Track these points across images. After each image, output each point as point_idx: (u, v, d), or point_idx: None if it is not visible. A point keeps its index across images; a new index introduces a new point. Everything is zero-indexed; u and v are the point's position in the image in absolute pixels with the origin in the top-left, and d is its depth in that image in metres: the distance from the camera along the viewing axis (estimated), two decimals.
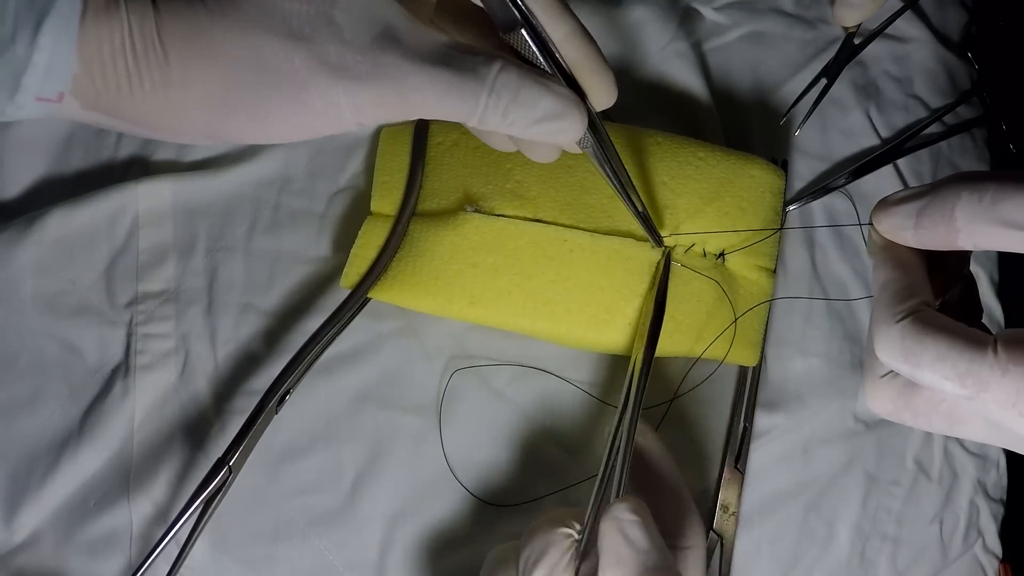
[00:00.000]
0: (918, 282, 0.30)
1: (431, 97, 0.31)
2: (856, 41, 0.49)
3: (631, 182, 0.41)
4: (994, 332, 0.28)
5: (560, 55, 0.34)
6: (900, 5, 0.52)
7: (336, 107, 0.30)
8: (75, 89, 0.29)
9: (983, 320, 0.35)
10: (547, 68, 0.33)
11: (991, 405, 0.26)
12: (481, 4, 0.33)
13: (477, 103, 0.31)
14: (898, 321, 0.28)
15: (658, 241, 0.44)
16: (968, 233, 0.27)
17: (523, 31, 0.32)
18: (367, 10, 0.30)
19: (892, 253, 0.31)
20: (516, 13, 0.32)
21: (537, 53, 0.33)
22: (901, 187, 0.52)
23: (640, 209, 0.42)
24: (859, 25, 0.47)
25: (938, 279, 0.32)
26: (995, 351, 0.26)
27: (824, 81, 0.50)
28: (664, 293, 0.43)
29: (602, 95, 0.36)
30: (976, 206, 0.27)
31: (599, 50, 0.35)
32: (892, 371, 0.30)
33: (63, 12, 0.27)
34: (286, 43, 0.29)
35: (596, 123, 0.36)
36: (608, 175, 0.39)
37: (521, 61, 0.33)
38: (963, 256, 0.34)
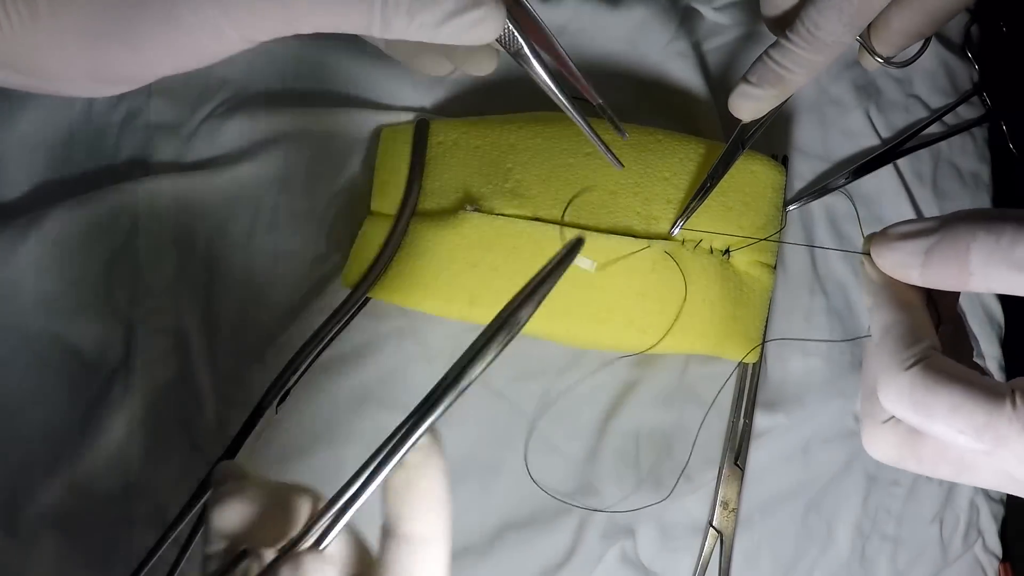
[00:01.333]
0: (923, 324, 0.28)
1: (318, 5, 0.28)
2: (744, 139, 0.45)
3: (566, 96, 0.37)
4: (994, 364, 0.27)
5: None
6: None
7: (214, 25, 0.28)
8: None
9: (985, 318, 0.35)
10: None
11: (1011, 460, 0.25)
12: None
13: (371, 10, 0.29)
14: (907, 368, 0.27)
15: (620, 131, 0.41)
16: (983, 276, 0.26)
17: None
18: None
19: (892, 291, 0.29)
20: None
21: None
22: (901, 187, 0.52)
23: (595, 103, 0.40)
24: (761, 120, 0.44)
25: (929, 317, 0.30)
26: (1013, 403, 0.25)
27: (709, 184, 0.46)
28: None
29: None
30: (994, 248, 0.25)
31: None
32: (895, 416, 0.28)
33: None
34: None
35: (524, 9, 0.33)
36: (542, 78, 0.35)
37: None
38: (954, 293, 0.32)
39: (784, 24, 0.40)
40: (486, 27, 0.30)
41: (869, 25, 0.43)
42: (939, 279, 0.27)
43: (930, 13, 0.41)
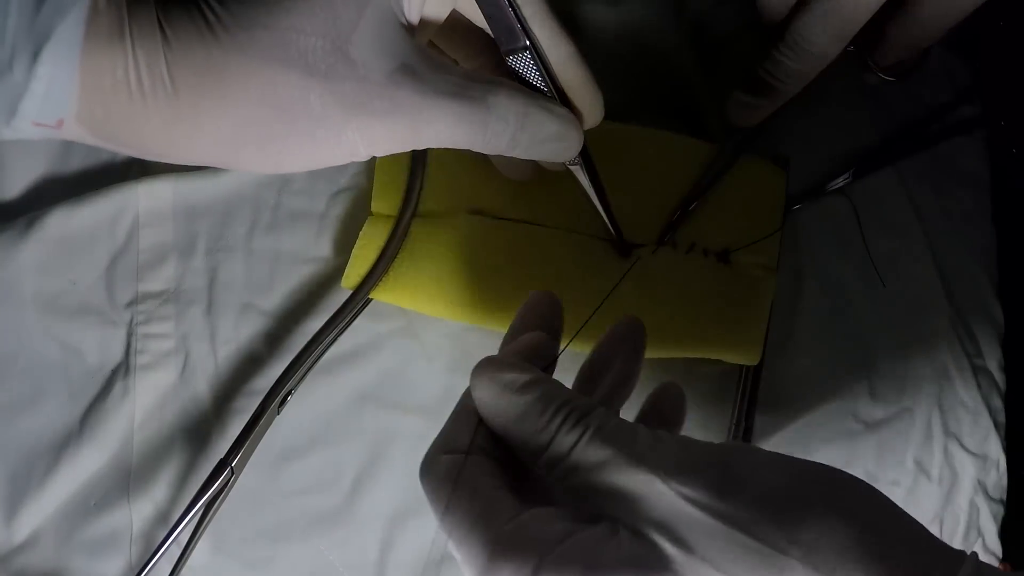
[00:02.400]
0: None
1: (442, 129, 0.31)
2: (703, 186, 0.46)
3: (606, 197, 0.42)
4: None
5: (556, 76, 0.35)
6: None
7: (350, 142, 0.30)
8: (77, 116, 0.27)
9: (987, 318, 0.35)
10: (548, 91, 0.35)
11: None
12: (488, 28, 0.33)
13: (485, 131, 0.32)
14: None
15: (626, 252, 0.45)
16: None
17: (527, 54, 0.33)
18: (383, 45, 0.29)
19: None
20: (522, 37, 0.33)
21: (540, 76, 0.34)
22: (901, 187, 0.52)
23: (614, 222, 0.44)
24: (756, 126, 0.46)
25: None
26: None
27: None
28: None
29: (593, 115, 0.38)
30: None
31: (591, 72, 0.36)
32: None
33: (64, 38, 0.26)
34: (302, 79, 0.28)
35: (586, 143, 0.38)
36: (591, 189, 0.41)
37: (522, 84, 0.34)
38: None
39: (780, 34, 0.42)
40: (570, 152, 0.36)
41: (867, 40, 0.44)
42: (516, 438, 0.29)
43: (925, 25, 0.42)
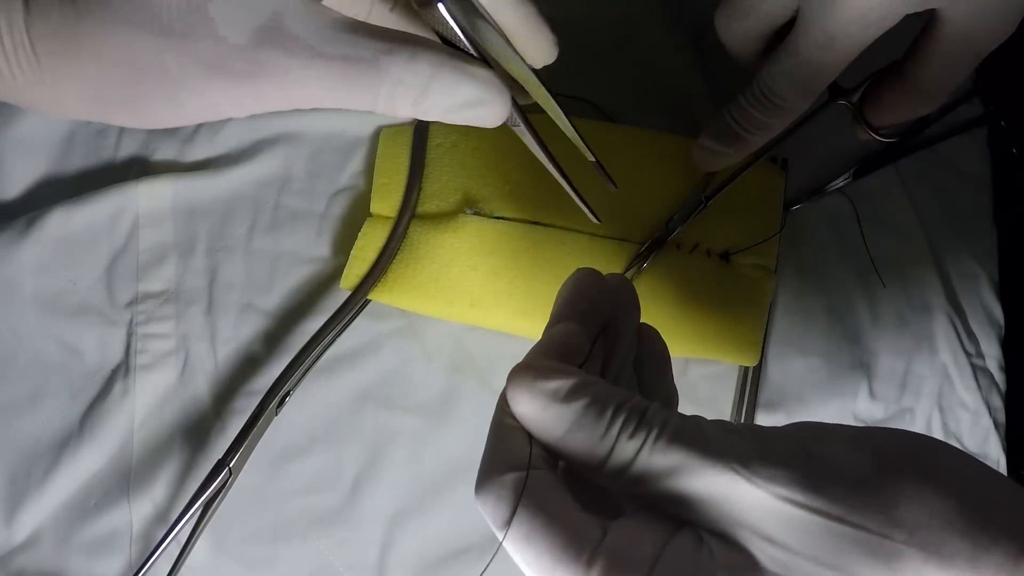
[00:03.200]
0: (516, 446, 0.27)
1: (317, 91, 0.29)
2: (706, 193, 0.46)
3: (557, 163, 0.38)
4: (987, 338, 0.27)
5: (491, 20, 0.32)
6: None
7: (214, 103, 0.29)
8: None
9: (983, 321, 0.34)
10: (467, 49, 0.31)
11: None
12: None
13: (376, 96, 0.29)
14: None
15: (593, 214, 0.43)
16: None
17: (439, 7, 0.29)
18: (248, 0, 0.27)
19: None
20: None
21: (457, 32, 0.30)
22: (901, 187, 0.52)
23: (574, 187, 0.40)
24: (720, 173, 0.44)
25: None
26: (589, 564, 0.24)
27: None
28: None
29: (541, 54, 0.34)
30: None
31: (534, 7, 0.33)
32: None
33: None
34: (156, 40, 0.27)
35: (527, 104, 0.34)
36: (539, 151, 0.37)
37: (443, 41, 0.31)
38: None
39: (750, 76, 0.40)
40: (491, 118, 0.31)
41: (863, 99, 0.42)
42: (575, 448, 0.26)
43: (924, 92, 0.40)
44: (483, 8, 0.31)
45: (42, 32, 0.27)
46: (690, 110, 0.53)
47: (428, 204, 0.47)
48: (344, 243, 0.48)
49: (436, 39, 0.31)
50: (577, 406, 0.26)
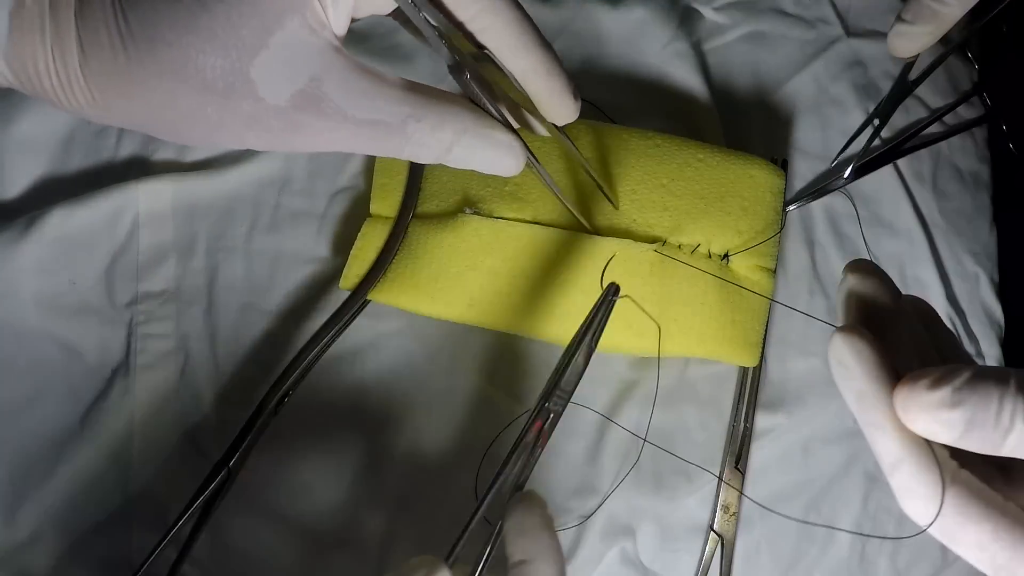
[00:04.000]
0: (941, 449, 0.27)
1: (344, 147, 0.32)
2: (911, 77, 0.47)
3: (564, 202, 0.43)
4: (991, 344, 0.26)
5: (519, 87, 0.34)
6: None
7: (249, 142, 0.31)
8: (5, 82, 0.30)
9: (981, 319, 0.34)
10: (492, 112, 0.33)
11: None
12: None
13: (400, 152, 0.32)
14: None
15: (593, 229, 0.45)
16: (1019, 446, 0.25)
17: (467, 76, 0.32)
18: (290, 66, 0.29)
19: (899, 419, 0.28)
20: (452, 59, 0.32)
21: (480, 98, 0.33)
22: (901, 187, 0.52)
23: (579, 216, 0.44)
24: (916, 57, 0.44)
25: None
26: None
27: (876, 123, 0.49)
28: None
29: (561, 118, 0.36)
30: None
31: (560, 78, 0.34)
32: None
33: None
34: (199, 95, 0.29)
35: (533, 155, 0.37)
36: (549, 186, 0.41)
37: (470, 98, 0.33)
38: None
39: None
40: (506, 174, 0.35)
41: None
42: (976, 447, 0.26)
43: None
44: (512, 75, 0.33)
45: (94, 70, 0.29)
46: (692, 113, 0.53)
47: (428, 204, 0.47)
48: (344, 243, 0.48)
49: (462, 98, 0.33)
50: (968, 406, 0.26)
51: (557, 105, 0.35)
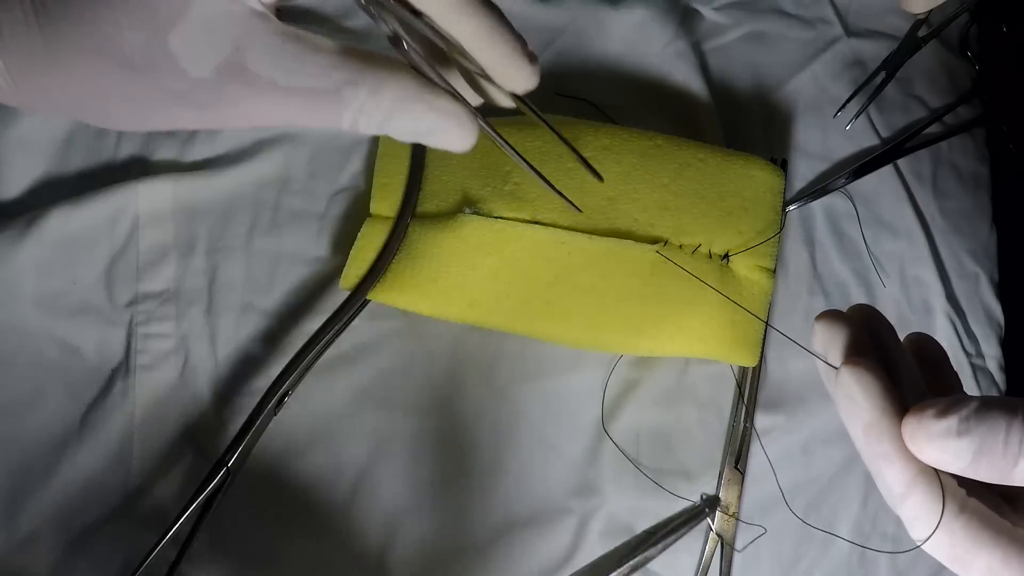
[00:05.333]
0: (949, 478, 0.28)
1: (281, 118, 0.30)
2: (921, 34, 0.48)
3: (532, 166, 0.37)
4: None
5: (469, 55, 0.31)
6: None
7: (180, 120, 0.30)
8: None
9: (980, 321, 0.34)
10: (434, 78, 0.31)
11: None
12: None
13: (339, 121, 0.30)
14: (947, 525, 0.27)
15: (573, 206, 0.43)
16: None
17: (404, 46, 0.30)
18: (211, 37, 0.28)
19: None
20: (388, 30, 0.30)
21: (422, 67, 0.31)
22: (901, 187, 0.52)
23: (551, 183, 0.38)
24: (928, 13, 0.44)
25: None
26: None
27: (883, 75, 0.51)
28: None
29: (520, 85, 0.33)
30: None
31: (510, 42, 0.31)
32: None
33: None
34: (121, 71, 0.28)
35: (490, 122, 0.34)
36: (514, 156, 0.36)
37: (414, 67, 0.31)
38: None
39: None
40: (456, 145, 0.32)
41: None
42: (984, 476, 0.26)
43: None
44: (458, 43, 0.31)
45: (12, 52, 0.28)
46: (692, 113, 0.53)
47: (428, 204, 0.47)
48: (344, 243, 0.48)
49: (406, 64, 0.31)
50: (976, 435, 0.26)
51: (510, 71, 0.32)
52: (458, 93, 0.31)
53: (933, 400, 0.27)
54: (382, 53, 0.31)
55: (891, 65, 0.51)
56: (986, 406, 0.26)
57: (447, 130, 0.31)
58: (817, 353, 0.31)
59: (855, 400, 0.28)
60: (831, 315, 0.31)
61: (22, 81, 0.29)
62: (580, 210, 0.41)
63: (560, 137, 0.37)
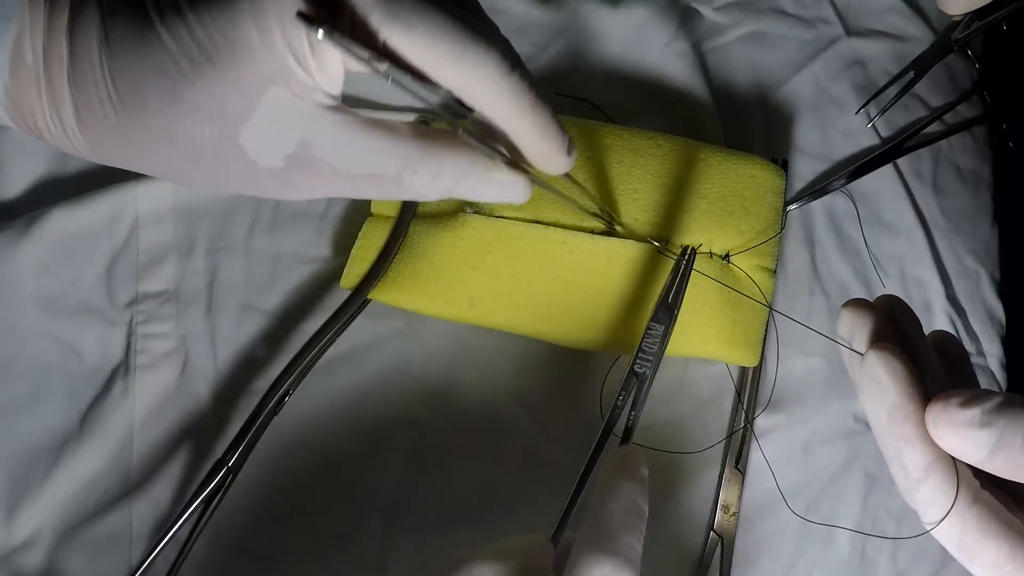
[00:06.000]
0: (965, 468, 0.28)
1: (346, 195, 0.32)
2: (955, 36, 0.47)
3: (578, 194, 0.42)
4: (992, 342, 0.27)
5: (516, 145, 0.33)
6: None
7: (252, 192, 0.32)
8: (12, 118, 0.30)
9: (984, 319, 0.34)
10: (490, 154, 0.32)
11: None
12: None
13: (401, 198, 0.32)
14: (958, 512, 0.28)
15: (611, 226, 0.45)
16: None
17: (461, 133, 0.31)
18: (277, 132, 0.29)
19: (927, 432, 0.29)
20: (458, 111, 0.30)
21: (478, 146, 0.32)
22: (901, 186, 0.52)
23: (596, 210, 0.44)
24: (964, 16, 0.43)
25: None
26: None
27: (912, 74, 0.51)
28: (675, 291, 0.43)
29: (554, 170, 0.34)
30: None
31: (559, 138, 0.33)
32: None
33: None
34: (192, 157, 0.29)
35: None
36: (562, 200, 0.40)
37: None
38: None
39: None
40: (515, 201, 0.34)
41: None
42: (999, 471, 0.27)
43: None
44: (502, 134, 0.32)
45: (90, 129, 0.29)
46: (692, 113, 0.53)
47: (429, 203, 0.47)
48: (344, 243, 0.48)
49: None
50: (996, 428, 0.26)
51: (548, 162, 0.34)
52: (513, 162, 0.33)
53: (959, 390, 0.27)
54: (442, 130, 0.32)
55: (921, 66, 0.51)
56: (1010, 402, 0.26)
57: (506, 196, 0.34)
58: (842, 340, 0.32)
59: (881, 383, 0.29)
60: (858, 303, 0.32)
61: (99, 150, 0.30)
62: (620, 229, 0.43)
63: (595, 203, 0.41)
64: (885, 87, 0.53)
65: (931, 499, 0.28)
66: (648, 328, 0.41)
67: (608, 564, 0.29)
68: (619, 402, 0.40)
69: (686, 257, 0.43)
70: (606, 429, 0.39)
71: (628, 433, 0.39)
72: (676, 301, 0.42)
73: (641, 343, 0.41)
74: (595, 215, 0.44)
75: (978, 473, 0.28)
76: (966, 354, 0.34)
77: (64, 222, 0.47)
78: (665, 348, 0.41)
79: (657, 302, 0.42)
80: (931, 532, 0.28)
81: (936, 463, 0.28)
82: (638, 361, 0.41)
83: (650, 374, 0.40)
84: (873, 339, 0.31)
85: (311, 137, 0.30)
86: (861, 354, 0.30)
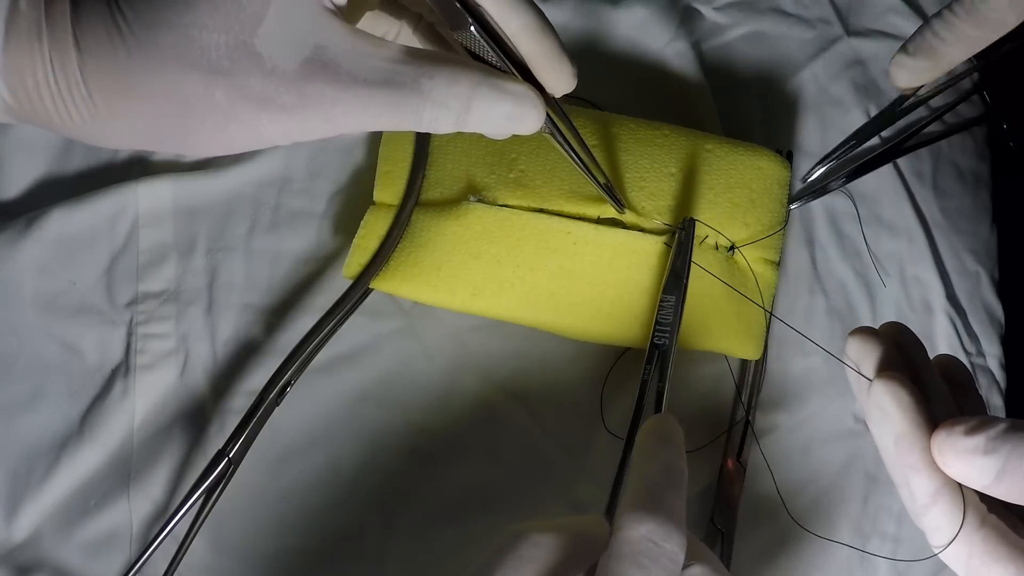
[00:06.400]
0: (971, 493, 0.29)
1: (364, 118, 0.30)
2: (902, 106, 0.47)
3: (593, 158, 0.41)
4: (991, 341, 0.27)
5: (514, 48, 0.33)
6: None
7: (262, 133, 0.30)
8: (6, 107, 0.29)
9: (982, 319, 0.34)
10: (500, 65, 0.32)
11: None
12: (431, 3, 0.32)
13: (420, 118, 0.31)
14: (966, 536, 0.28)
15: (620, 206, 0.44)
16: None
17: (472, 29, 0.31)
18: (293, 34, 0.29)
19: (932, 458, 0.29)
20: (464, 13, 0.31)
21: (489, 51, 0.32)
22: (901, 186, 0.52)
23: (603, 182, 0.42)
24: (916, 89, 0.43)
25: None
26: None
27: (853, 143, 0.50)
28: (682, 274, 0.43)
29: (560, 84, 0.34)
30: None
31: (555, 39, 0.33)
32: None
33: None
34: (205, 78, 0.28)
35: (555, 109, 0.36)
36: (570, 154, 0.39)
37: (474, 58, 0.32)
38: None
39: None
40: (527, 127, 0.33)
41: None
42: (1005, 495, 0.27)
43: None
44: (506, 36, 0.32)
45: (93, 70, 0.28)
46: (693, 113, 0.53)
47: (432, 191, 0.47)
48: (344, 243, 0.48)
49: (467, 56, 0.32)
50: (1001, 454, 0.27)
51: (554, 68, 0.33)
52: (520, 72, 0.33)
53: (964, 417, 0.28)
54: (442, 51, 0.32)
55: (863, 135, 0.50)
56: (1015, 428, 0.27)
57: (522, 114, 0.32)
58: (851, 365, 0.33)
59: (888, 412, 0.29)
60: (865, 331, 0.32)
61: (102, 100, 0.28)
62: (624, 209, 0.42)
63: (583, 166, 0.40)
64: (829, 155, 0.52)
65: (938, 524, 0.29)
66: (661, 300, 0.43)
67: (652, 521, 0.29)
68: (646, 376, 0.41)
69: (684, 228, 0.44)
70: (639, 403, 0.41)
71: (659, 402, 0.41)
72: (683, 270, 0.43)
73: (656, 316, 0.43)
74: (603, 187, 0.43)
75: (985, 496, 0.28)
76: (970, 376, 0.34)
77: (64, 222, 0.47)
78: (680, 317, 0.42)
79: (665, 275, 0.43)
80: (939, 555, 0.29)
81: (943, 489, 0.28)
82: (656, 333, 0.42)
83: (670, 344, 0.42)
84: (880, 368, 0.31)
85: (324, 38, 0.29)
86: (870, 380, 0.31)
